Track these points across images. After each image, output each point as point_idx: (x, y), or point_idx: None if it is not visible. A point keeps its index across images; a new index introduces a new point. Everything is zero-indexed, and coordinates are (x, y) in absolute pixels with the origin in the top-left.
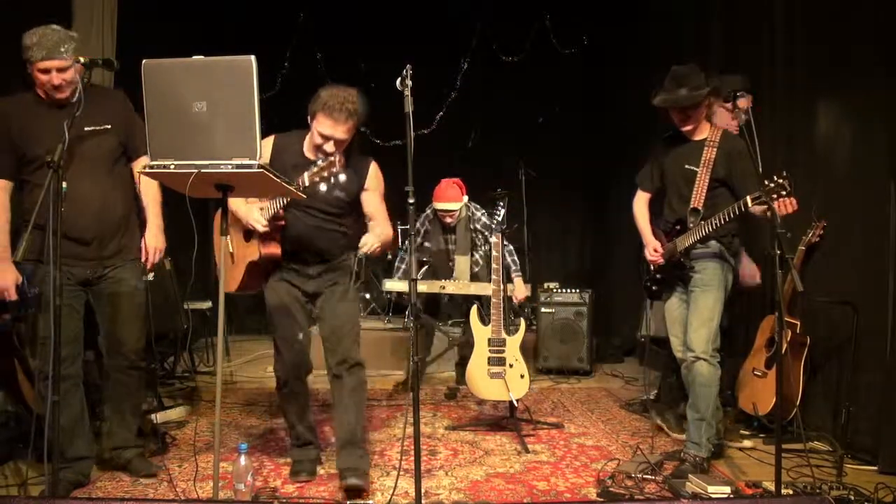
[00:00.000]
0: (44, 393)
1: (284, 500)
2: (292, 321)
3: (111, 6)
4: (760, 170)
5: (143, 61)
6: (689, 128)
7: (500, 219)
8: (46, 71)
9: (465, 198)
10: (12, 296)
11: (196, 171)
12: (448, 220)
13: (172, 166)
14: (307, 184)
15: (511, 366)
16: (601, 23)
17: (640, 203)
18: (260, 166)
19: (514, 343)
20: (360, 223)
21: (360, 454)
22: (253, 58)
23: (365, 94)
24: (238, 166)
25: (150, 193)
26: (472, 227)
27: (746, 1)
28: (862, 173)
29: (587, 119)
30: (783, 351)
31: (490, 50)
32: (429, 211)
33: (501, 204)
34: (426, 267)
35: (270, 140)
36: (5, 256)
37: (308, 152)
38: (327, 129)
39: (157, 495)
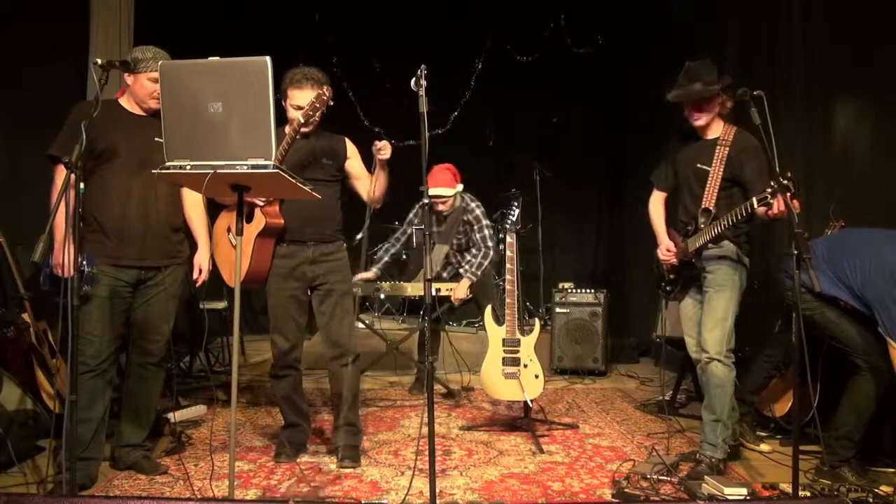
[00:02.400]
0: (87, 384)
1: (299, 500)
2: (285, 322)
3: (128, 8)
4: (778, 169)
5: (160, 62)
6: (701, 123)
7: (514, 219)
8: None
9: (460, 186)
10: (70, 272)
11: (212, 171)
12: (440, 206)
13: (188, 167)
14: (283, 153)
15: (525, 366)
16: (620, 22)
17: (656, 202)
18: (275, 167)
19: (528, 343)
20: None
21: (354, 432)
22: (268, 59)
23: (379, 94)
24: (253, 167)
25: (196, 214)
26: (463, 217)
27: (765, 1)
28: (880, 173)
29: (603, 119)
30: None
31: (504, 50)
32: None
33: (516, 204)
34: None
35: None
36: (61, 239)
37: (289, 133)
38: (297, 99)
39: (173, 494)
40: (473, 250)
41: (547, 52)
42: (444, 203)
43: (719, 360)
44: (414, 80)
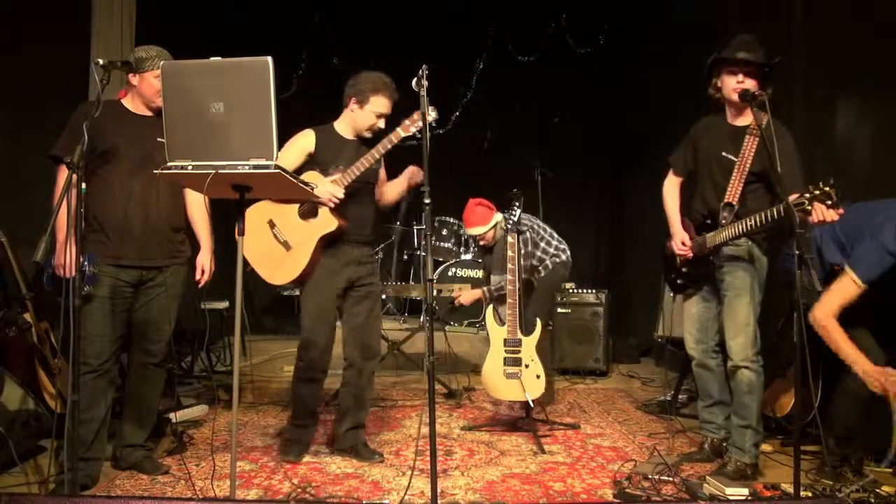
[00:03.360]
0: (89, 384)
1: (301, 499)
2: (325, 324)
3: (130, 8)
4: (780, 168)
5: (161, 63)
6: (747, 86)
7: (515, 219)
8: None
9: (497, 215)
10: (72, 273)
11: (213, 171)
12: (483, 242)
13: (190, 167)
14: (402, 136)
15: (527, 366)
16: (620, 22)
17: (671, 187)
18: (276, 166)
19: (530, 343)
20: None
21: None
22: (270, 59)
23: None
24: (255, 167)
25: (199, 215)
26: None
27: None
28: (883, 173)
29: (603, 119)
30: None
31: (505, 50)
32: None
33: (517, 204)
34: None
35: (311, 133)
36: (63, 239)
37: (348, 135)
38: (384, 107)
39: (174, 493)
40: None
41: (548, 52)
42: (483, 239)
43: (746, 367)
44: (415, 80)
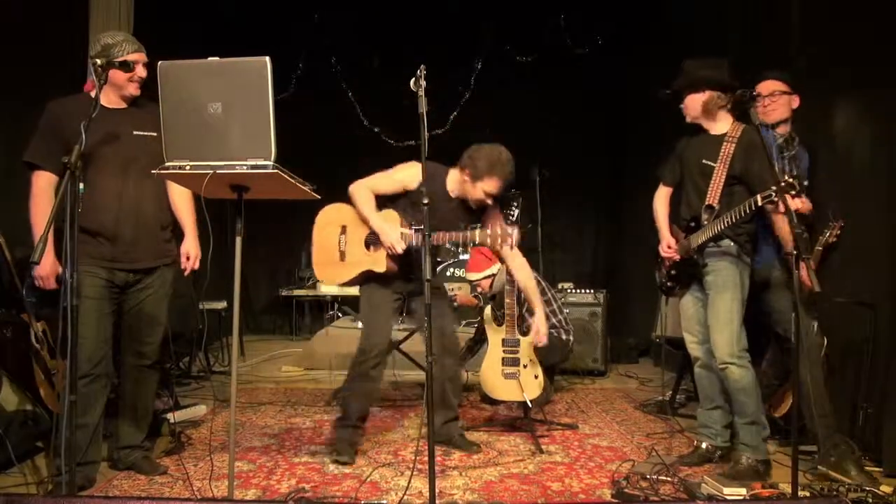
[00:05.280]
0: (82, 391)
1: (299, 499)
2: (384, 321)
3: (127, 7)
4: (754, 167)
5: (159, 63)
6: (689, 118)
7: (514, 219)
8: (134, 64)
9: (495, 267)
10: (51, 285)
11: (211, 171)
12: (479, 290)
13: (188, 167)
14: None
15: (525, 366)
16: (620, 22)
17: (661, 197)
18: (274, 166)
19: (528, 343)
20: None
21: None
22: (268, 59)
23: (378, 94)
24: (253, 167)
25: (183, 203)
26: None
27: (766, 1)
28: (880, 173)
29: (603, 119)
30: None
31: (504, 50)
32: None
33: (515, 204)
34: None
35: (418, 173)
36: (47, 248)
37: (453, 191)
38: (495, 189)
39: (172, 494)
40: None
41: (546, 52)
42: (480, 285)
43: (732, 364)
44: (413, 80)
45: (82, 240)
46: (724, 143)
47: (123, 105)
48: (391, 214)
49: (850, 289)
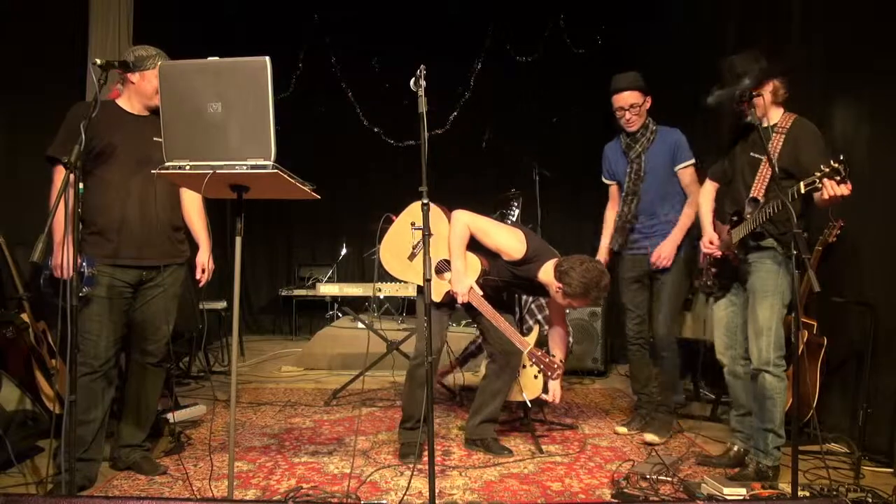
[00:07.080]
0: (90, 386)
1: (299, 499)
2: (437, 325)
3: (127, 8)
4: (802, 158)
5: (159, 63)
6: (755, 116)
7: (513, 219)
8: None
9: None
10: (65, 274)
11: (211, 171)
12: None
13: (188, 167)
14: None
15: (525, 367)
16: (620, 22)
17: (706, 192)
18: (274, 166)
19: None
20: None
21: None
22: (267, 59)
23: (378, 94)
24: (253, 167)
25: (194, 213)
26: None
27: (765, 1)
28: (880, 173)
29: (603, 119)
30: (800, 352)
31: (504, 50)
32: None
33: (515, 204)
34: None
35: (524, 244)
36: (60, 239)
37: (537, 279)
38: (578, 305)
39: (172, 494)
40: None
41: (546, 52)
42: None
43: (767, 371)
44: (413, 80)
45: (93, 240)
46: (774, 135)
47: (146, 114)
48: (475, 263)
49: (850, 289)
